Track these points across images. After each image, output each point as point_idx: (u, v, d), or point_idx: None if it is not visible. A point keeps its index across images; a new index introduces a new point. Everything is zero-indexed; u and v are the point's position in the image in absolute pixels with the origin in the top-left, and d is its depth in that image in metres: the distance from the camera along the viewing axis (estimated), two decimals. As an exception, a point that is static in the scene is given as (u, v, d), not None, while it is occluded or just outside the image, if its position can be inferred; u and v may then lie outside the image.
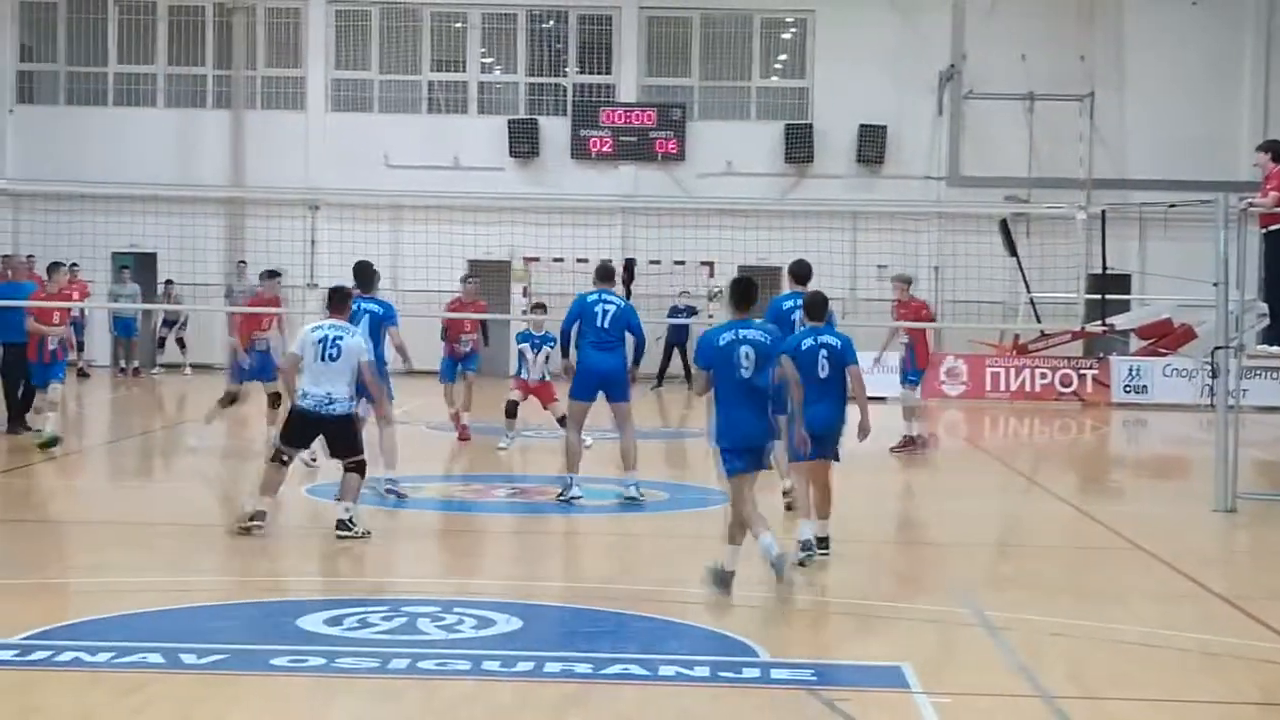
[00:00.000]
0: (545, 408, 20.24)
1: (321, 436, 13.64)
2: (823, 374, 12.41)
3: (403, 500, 15.53)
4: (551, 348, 19.74)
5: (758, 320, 11.65)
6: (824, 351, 12.47)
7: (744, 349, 11.15)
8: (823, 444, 12.43)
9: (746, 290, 11.54)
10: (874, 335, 30.16)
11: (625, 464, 15.81)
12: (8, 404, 20.99)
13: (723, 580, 11.08)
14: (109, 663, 8.93)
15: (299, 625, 9.97)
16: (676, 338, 34.42)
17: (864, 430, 12.37)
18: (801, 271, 14.94)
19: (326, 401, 13.24)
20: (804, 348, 12.47)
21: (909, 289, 22.47)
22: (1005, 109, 36.02)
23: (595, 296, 15.48)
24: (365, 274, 15.81)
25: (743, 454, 11.15)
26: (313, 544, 14.22)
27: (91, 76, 38.13)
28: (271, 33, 38.03)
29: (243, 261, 35.06)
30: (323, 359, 13.26)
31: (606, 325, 15.30)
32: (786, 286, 15.73)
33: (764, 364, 11.23)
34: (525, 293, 35.42)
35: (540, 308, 21.99)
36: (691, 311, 33.90)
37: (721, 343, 11.20)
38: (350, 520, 13.34)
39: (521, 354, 20.75)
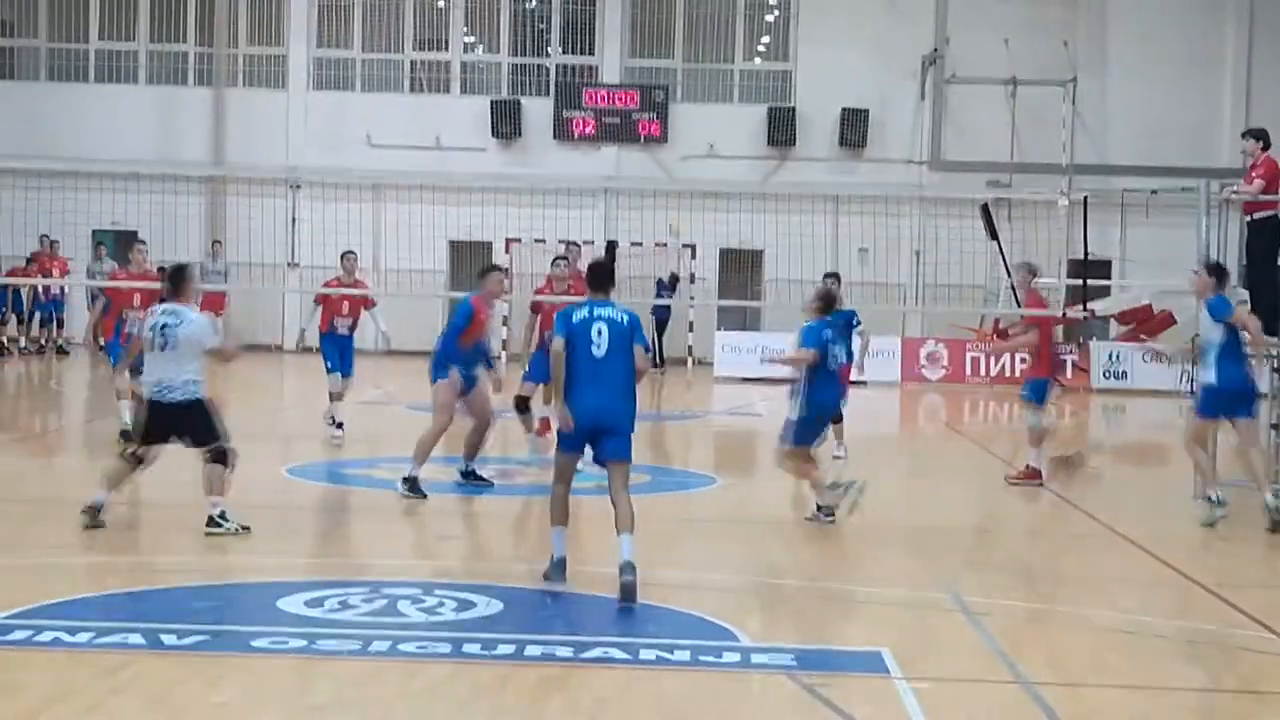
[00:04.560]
0: None
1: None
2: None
3: None
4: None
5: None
6: None
7: (597, 325, 10.79)
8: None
9: (601, 273, 11.24)
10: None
11: None
12: None
13: (557, 570, 10.87)
14: (89, 643, 8.92)
15: (280, 607, 9.97)
16: (659, 316, 34.43)
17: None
18: None
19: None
20: None
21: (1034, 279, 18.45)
22: (988, 94, 36.05)
23: None
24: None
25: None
26: (293, 525, 14.24)
27: (73, 53, 38.01)
28: (254, 10, 37.92)
29: (217, 241, 35.04)
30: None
31: None
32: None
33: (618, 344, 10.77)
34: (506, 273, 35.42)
35: None
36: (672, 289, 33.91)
37: (577, 319, 10.85)
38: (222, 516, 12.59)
39: None
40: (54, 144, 34.72)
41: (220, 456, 12.60)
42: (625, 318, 10.86)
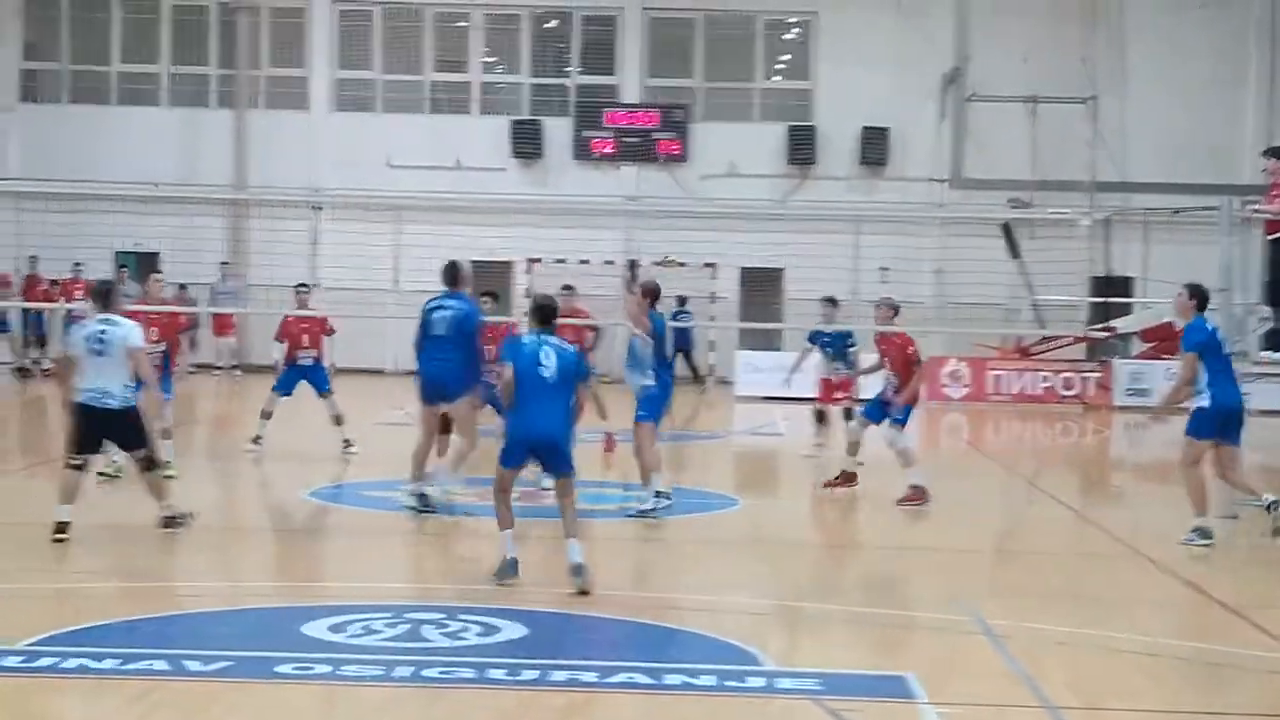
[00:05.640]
0: None
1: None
2: None
3: None
4: None
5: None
6: None
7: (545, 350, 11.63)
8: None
9: (546, 310, 12.10)
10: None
11: None
12: None
13: (508, 569, 11.67)
14: (115, 669, 8.93)
15: (303, 632, 9.98)
16: (681, 341, 34.25)
17: None
18: None
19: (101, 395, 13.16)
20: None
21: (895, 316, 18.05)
22: (1008, 112, 35.95)
23: None
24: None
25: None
26: (315, 549, 14.27)
27: (95, 75, 38.17)
28: (275, 32, 38.05)
29: (226, 262, 35.12)
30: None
31: None
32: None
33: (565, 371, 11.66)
34: (528, 293, 35.45)
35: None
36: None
37: (526, 344, 11.76)
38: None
39: None
40: (76, 166, 34.79)
41: (150, 464, 13.48)
42: (571, 349, 11.89)
